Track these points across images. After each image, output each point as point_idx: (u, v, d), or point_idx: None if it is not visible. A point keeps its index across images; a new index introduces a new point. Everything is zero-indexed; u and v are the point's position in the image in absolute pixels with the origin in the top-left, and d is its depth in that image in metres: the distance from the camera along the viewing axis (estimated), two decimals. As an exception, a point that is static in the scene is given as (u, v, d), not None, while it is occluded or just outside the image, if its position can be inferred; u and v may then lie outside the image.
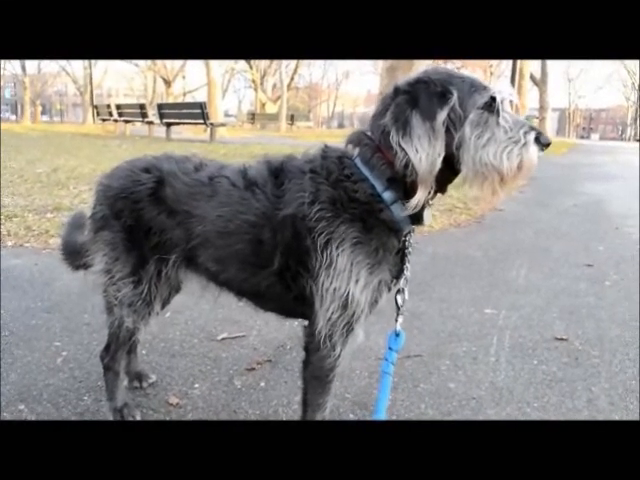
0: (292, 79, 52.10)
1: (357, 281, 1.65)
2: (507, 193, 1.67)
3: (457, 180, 1.70)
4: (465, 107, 1.54)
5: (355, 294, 1.66)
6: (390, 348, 1.81)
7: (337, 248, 1.63)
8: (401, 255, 1.75)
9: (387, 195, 1.63)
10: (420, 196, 1.57)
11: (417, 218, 1.68)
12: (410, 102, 1.55)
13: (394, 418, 2.29)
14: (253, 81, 49.38)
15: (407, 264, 1.77)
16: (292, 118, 38.75)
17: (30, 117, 49.58)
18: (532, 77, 30.55)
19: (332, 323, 1.71)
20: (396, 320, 1.82)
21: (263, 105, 47.25)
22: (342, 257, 1.63)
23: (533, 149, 1.55)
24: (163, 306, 2.27)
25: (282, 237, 1.71)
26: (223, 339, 3.00)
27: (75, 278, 2.37)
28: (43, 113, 65.05)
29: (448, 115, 1.54)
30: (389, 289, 1.78)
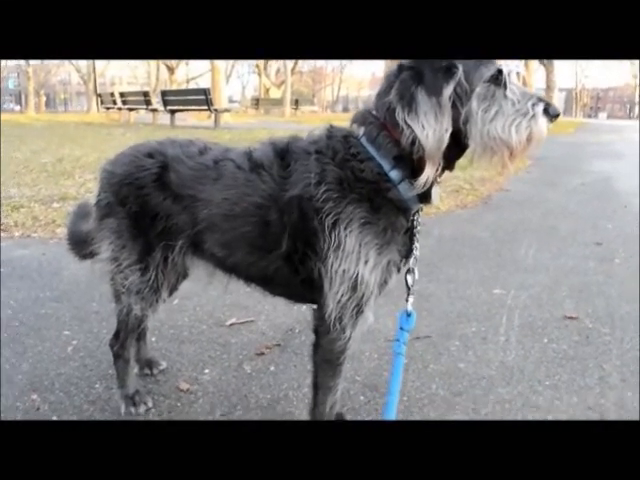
0: (296, 63, 51.77)
1: (366, 262, 1.64)
2: (517, 166, 1.66)
3: (463, 161, 1.68)
4: (471, 81, 1.53)
5: (364, 275, 1.65)
6: (401, 328, 1.80)
7: (345, 229, 1.61)
8: (410, 235, 1.73)
9: (394, 174, 1.61)
10: (428, 173, 1.54)
11: (425, 197, 1.66)
12: (415, 78, 1.53)
13: (405, 399, 2.29)
14: (257, 66, 49.16)
15: (416, 243, 1.75)
16: (296, 103, 38.50)
17: (34, 107, 49.55)
18: (538, 56, 30.24)
19: (342, 305, 1.69)
20: (407, 300, 1.81)
21: (267, 90, 47.04)
22: (350, 238, 1.61)
23: (542, 121, 1.53)
24: (171, 293, 2.27)
25: (289, 219, 1.70)
26: (232, 324, 3.01)
27: (83, 267, 2.37)
28: (47, 103, 64.97)
29: (454, 89, 1.52)
30: (398, 269, 1.76)
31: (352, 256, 1.63)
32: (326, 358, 1.82)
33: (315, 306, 1.83)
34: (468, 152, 1.60)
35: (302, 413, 2.18)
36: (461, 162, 1.69)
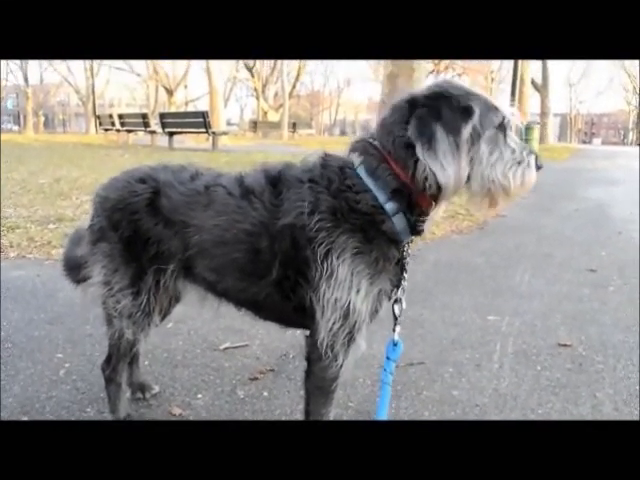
0: (294, 87, 52.14)
1: (358, 291, 1.65)
2: (504, 206, 1.78)
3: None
4: (483, 125, 1.59)
5: (356, 304, 1.66)
6: (388, 358, 1.83)
7: (338, 258, 1.62)
8: (400, 265, 1.75)
9: (389, 206, 1.63)
10: (441, 209, 1.65)
11: (418, 229, 1.70)
12: (434, 116, 1.56)
13: (397, 427, 2.28)
14: (255, 89, 49.55)
15: (405, 274, 1.77)
16: (294, 126, 38.73)
17: (33, 127, 49.73)
18: (533, 82, 30.60)
19: (334, 333, 1.70)
20: (394, 330, 1.83)
21: (265, 113, 47.34)
22: (343, 267, 1.63)
23: (534, 170, 1.64)
24: (164, 316, 2.27)
25: (280, 247, 1.71)
26: (226, 349, 3.00)
27: (77, 289, 2.37)
28: (45, 124, 65.14)
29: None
30: (389, 298, 1.78)
31: (344, 285, 1.64)
32: (318, 385, 1.82)
33: (307, 332, 1.84)
34: (465, 189, 1.65)
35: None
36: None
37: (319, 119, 77.90)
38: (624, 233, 6.48)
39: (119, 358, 2.13)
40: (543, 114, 31.37)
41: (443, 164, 1.52)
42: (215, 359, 2.88)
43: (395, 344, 1.83)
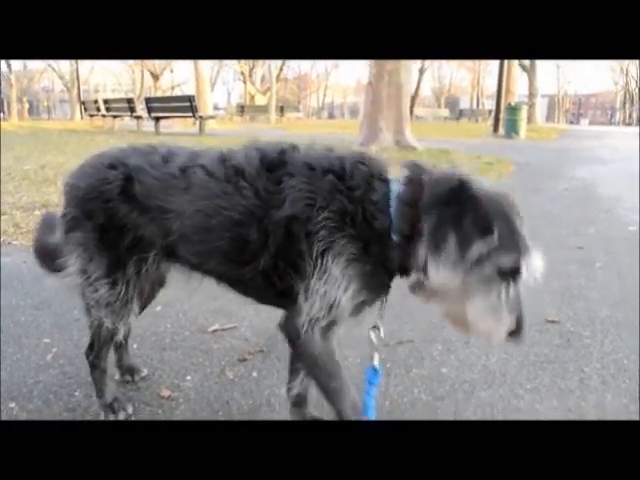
0: (281, 70, 51.99)
1: (346, 290, 1.63)
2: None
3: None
4: (491, 255, 1.52)
5: (342, 300, 1.64)
6: (370, 382, 1.82)
7: (333, 259, 1.60)
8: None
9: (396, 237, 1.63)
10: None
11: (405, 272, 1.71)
12: (455, 222, 1.51)
13: (387, 403, 2.29)
14: (242, 73, 49.31)
15: (385, 302, 1.79)
16: (282, 109, 38.66)
17: (17, 114, 49.18)
18: (521, 64, 30.59)
19: (315, 318, 1.67)
20: (372, 357, 1.83)
21: (252, 97, 47.13)
22: (336, 268, 1.61)
23: (504, 335, 1.66)
24: (148, 301, 2.25)
25: (274, 240, 1.65)
26: (214, 331, 2.99)
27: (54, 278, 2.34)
28: (30, 110, 64.34)
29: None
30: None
31: (335, 283, 1.62)
32: (309, 362, 1.79)
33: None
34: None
35: (284, 419, 2.17)
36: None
37: (307, 102, 77.64)
38: (611, 211, 6.51)
39: (101, 345, 2.10)
40: (531, 95, 31.45)
41: (439, 269, 1.50)
42: (204, 341, 2.87)
43: (375, 370, 1.83)
